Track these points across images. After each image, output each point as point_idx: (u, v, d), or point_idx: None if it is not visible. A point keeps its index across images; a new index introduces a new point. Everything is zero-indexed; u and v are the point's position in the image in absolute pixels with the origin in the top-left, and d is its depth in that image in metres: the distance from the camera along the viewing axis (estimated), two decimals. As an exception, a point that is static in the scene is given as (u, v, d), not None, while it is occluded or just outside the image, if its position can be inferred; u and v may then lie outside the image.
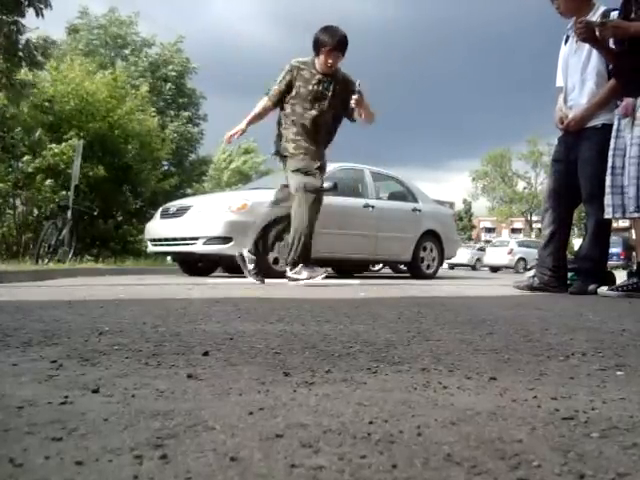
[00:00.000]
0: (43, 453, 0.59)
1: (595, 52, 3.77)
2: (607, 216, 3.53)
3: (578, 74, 3.91)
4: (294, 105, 4.52)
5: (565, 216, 4.09)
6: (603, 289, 3.71)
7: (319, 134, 4.58)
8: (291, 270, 4.53)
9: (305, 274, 4.44)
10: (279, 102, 4.59)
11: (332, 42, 4.40)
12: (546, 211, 4.13)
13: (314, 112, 4.49)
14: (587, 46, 3.80)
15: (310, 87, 4.47)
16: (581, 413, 0.80)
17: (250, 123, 4.69)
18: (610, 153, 3.51)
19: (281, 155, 4.65)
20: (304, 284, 4.37)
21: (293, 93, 4.49)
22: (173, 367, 1.09)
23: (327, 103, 4.51)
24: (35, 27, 8.13)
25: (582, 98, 3.90)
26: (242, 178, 29.13)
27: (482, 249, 33.26)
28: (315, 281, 4.43)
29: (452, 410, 0.80)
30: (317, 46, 4.45)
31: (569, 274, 4.05)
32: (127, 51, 20.79)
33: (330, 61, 4.43)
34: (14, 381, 0.94)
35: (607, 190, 3.51)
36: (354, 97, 4.44)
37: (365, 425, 0.72)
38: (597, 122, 3.82)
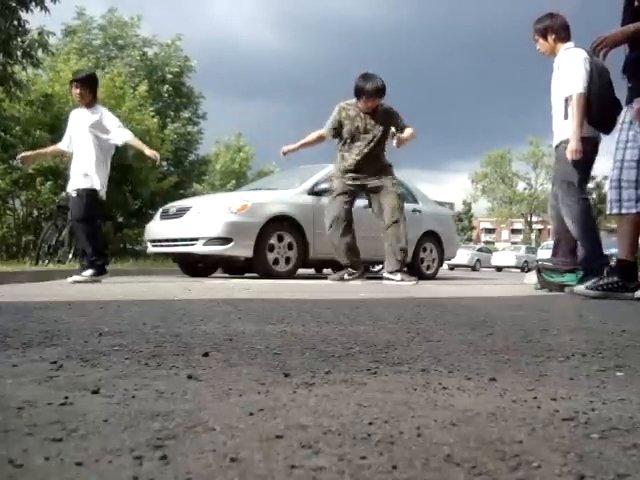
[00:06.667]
0: (43, 454, 0.59)
1: (561, 80, 3.93)
2: (607, 212, 3.47)
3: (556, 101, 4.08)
4: (346, 139, 5.34)
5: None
6: (580, 287, 3.53)
7: (368, 161, 5.34)
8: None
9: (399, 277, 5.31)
10: (334, 136, 5.45)
11: (371, 90, 5.16)
12: (552, 219, 4.20)
13: (362, 144, 5.29)
14: (557, 76, 4.00)
15: (357, 124, 5.27)
16: (581, 414, 0.79)
17: (303, 146, 5.62)
18: (615, 146, 3.43)
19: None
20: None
21: (344, 129, 5.31)
22: (173, 368, 1.09)
23: (372, 135, 5.29)
24: (37, 27, 8.15)
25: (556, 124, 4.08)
26: (234, 176, 28.93)
27: (482, 250, 33.39)
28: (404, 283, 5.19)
29: (452, 411, 0.80)
30: (358, 93, 5.22)
31: (569, 274, 4.03)
32: (127, 52, 20.65)
33: (370, 105, 5.23)
34: (14, 382, 0.94)
35: (609, 185, 3.45)
36: (396, 140, 5.29)
37: (365, 426, 0.72)
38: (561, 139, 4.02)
